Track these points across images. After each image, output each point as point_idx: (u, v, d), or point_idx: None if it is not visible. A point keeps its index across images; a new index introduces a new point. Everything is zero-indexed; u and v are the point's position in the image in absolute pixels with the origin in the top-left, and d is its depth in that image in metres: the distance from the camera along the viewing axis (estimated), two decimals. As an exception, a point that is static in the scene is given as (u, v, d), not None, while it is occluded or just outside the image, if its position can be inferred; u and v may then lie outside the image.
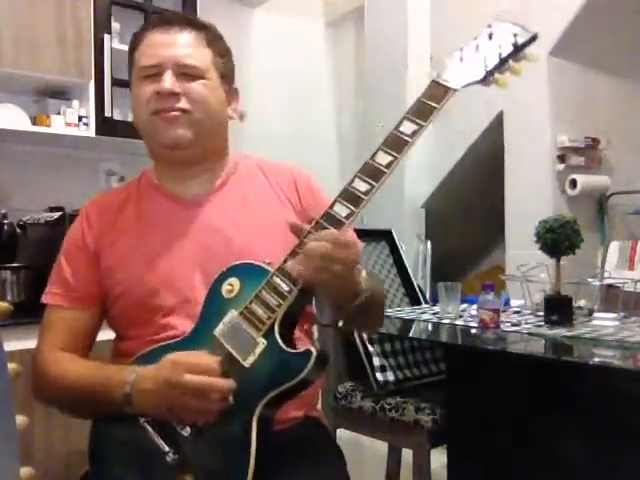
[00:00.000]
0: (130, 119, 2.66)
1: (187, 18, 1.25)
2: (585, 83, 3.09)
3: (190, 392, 0.98)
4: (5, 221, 2.47)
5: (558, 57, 2.97)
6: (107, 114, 2.53)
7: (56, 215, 2.33)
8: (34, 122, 2.49)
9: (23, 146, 2.65)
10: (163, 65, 1.16)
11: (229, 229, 1.18)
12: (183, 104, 1.16)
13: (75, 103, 2.55)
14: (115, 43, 2.58)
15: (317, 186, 1.29)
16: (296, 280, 1.00)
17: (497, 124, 3.16)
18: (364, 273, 1.09)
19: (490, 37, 1.05)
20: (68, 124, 2.52)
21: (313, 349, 0.99)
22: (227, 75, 1.24)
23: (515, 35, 1.03)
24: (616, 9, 2.87)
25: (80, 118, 2.53)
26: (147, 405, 1.03)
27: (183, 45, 1.18)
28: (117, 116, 2.59)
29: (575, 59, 3.02)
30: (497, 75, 1.04)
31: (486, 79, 1.04)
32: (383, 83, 3.42)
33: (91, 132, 2.54)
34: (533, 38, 1.04)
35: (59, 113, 2.52)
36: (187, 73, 1.17)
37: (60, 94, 2.57)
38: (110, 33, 2.55)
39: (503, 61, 1.03)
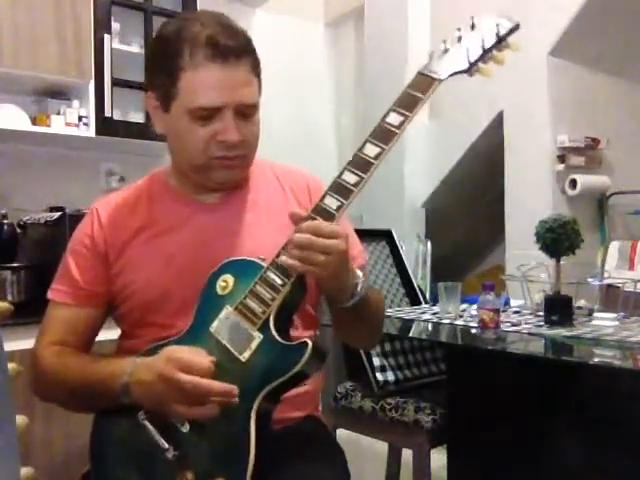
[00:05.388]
0: (130, 119, 2.68)
1: (240, 43, 1.11)
2: (585, 83, 3.09)
3: (181, 390, 0.99)
4: (5, 221, 2.47)
5: (558, 57, 2.97)
6: (107, 114, 2.53)
7: (56, 215, 2.33)
8: (34, 122, 2.49)
9: (23, 146, 2.65)
10: (225, 107, 1.09)
11: (242, 233, 1.18)
12: (243, 150, 1.14)
13: (75, 103, 2.55)
14: (115, 43, 2.58)
15: None
16: (289, 274, 1.01)
17: (497, 124, 3.16)
18: (360, 274, 1.09)
19: (473, 28, 1.06)
20: (68, 124, 2.51)
21: (309, 341, 1.00)
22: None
23: (497, 25, 1.05)
24: (616, 9, 2.87)
25: (80, 118, 2.53)
26: (143, 395, 1.03)
27: (243, 83, 1.11)
28: (117, 116, 2.58)
29: (575, 59, 3.02)
30: (481, 65, 1.06)
31: (470, 69, 1.06)
32: (383, 83, 3.42)
33: (91, 132, 2.54)
34: (515, 28, 1.05)
35: (59, 113, 2.52)
36: (245, 112, 1.12)
37: (60, 94, 2.57)
38: (110, 33, 2.54)
39: (486, 51, 1.05)
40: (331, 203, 1.02)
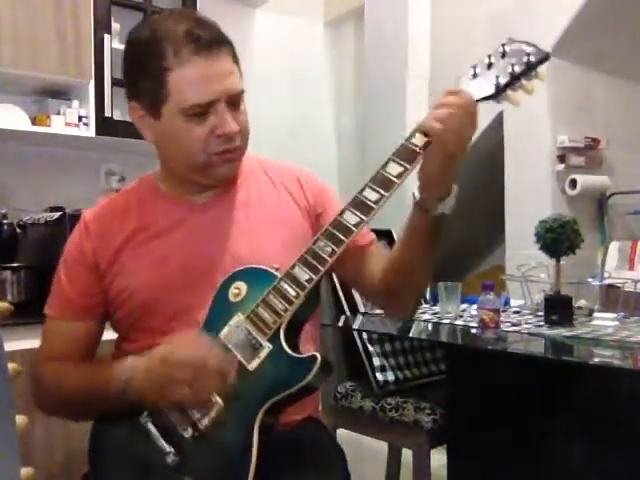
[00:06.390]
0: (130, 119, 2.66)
1: (216, 33, 1.10)
2: (585, 83, 3.09)
3: (181, 367, 0.99)
4: (5, 221, 2.47)
5: (558, 57, 2.97)
6: (107, 114, 2.53)
7: (56, 215, 2.33)
8: (34, 122, 2.49)
9: (23, 146, 2.65)
10: (217, 100, 1.07)
11: (236, 231, 1.17)
12: (240, 141, 1.12)
13: (75, 103, 2.55)
14: (115, 43, 2.58)
15: (322, 183, 1.29)
16: (303, 286, 1.00)
17: (497, 124, 3.16)
18: (455, 188, 1.08)
19: (503, 55, 1.05)
20: (68, 124, 2.52)
21: (318, 355, 0.99)
22: None
23: (528, 55, 1.03)
24: (616, 9, 2.87)
25: (80, 118, 2.53)
26: (145, 384, 1.02)
27: (229, 72, 1.09)
28: (117, 116, 2.58)
29: (575, 59, 3.02)
30: (509, 92, 1.05)
31: (498, 95, 1.05)
32: (383, 83, 3.42)
33: (91, 132, 2.54)
34: (545, 58, 1.04)
35: (59, 113, 2.52)
36: (235, 102, 1.10)
37: (60, 94, 2.57)
38: (110, 33, 2.55)
39: (515, 78, 1.03)
40: (350, 218, 1.02)
